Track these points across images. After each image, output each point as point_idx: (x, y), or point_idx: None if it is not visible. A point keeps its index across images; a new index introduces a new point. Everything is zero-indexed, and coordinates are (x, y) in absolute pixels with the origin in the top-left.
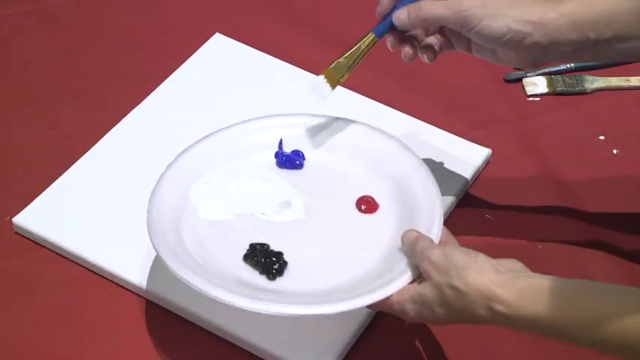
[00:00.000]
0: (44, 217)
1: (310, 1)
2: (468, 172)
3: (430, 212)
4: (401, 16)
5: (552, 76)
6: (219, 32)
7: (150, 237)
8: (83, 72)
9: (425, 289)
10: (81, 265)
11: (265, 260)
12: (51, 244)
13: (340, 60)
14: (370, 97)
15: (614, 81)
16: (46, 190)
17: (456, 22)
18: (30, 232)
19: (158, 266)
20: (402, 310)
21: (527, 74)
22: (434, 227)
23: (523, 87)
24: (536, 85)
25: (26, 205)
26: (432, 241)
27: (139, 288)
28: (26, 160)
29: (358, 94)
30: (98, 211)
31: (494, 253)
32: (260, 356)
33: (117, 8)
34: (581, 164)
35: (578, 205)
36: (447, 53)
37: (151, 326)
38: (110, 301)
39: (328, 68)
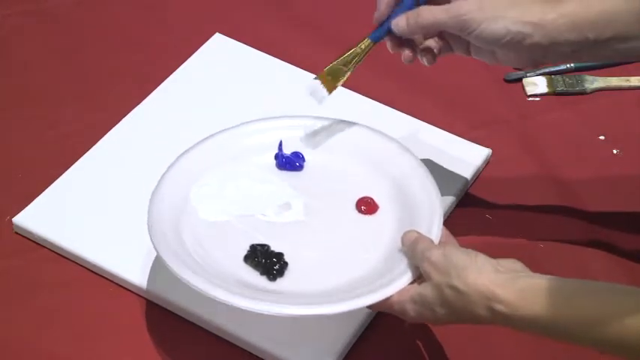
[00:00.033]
0: (44, 217)
1: (310, 1)
2: (468, 172)
3: (430, 213)
4: (400, 24)
5: (552, 76)
6: (219, 32)
7: (150, 237)
8: (83, 72)
9: (425, 290)
10: (81, 265)
11: (266, 261)
12: (51, 244)
13: (335, 64)
14: (370, 97)
15: (614, 81)
16: (46, 190)
17: (455, 26)
18: (30, 232)
19: (158, 266)
20: (403, 311)
21: (527, 74)
22: (434, 227)
23: (523, 87)
24: (536, 85)
25: (26, 205)
26: (432, 241)
27: (139, 288)
28: (26, 160)
29: (358, 94)
30: (98, 211)
31: (494, 253)
32: (260, 356)
33: (117, 8)
34: (581, 164)
35: (578, 205)
36: (451, 54)
37: (151, 326)
38: (110, 301)
39: (323, 72)
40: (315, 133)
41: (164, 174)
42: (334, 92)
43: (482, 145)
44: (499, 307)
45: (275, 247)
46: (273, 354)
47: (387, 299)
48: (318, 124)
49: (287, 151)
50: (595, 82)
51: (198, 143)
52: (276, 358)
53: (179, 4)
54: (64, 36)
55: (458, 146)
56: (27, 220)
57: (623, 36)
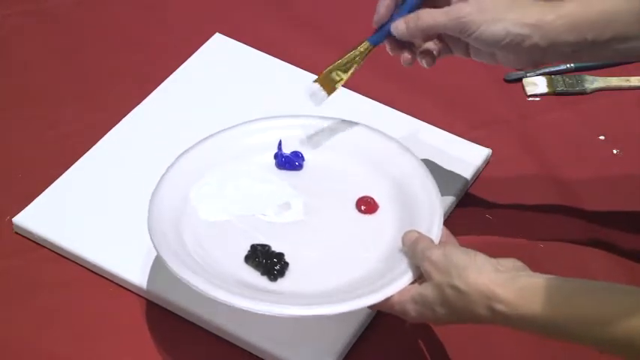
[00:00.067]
0: (44, 217)
1: (310, 1)
2: (468, 172)
3: (430, 212)
4: (399, 27)
5: (552, 76)
6: (219, 32)
7: (150, 237)
8: (83, 72)
9: (426, 290)
10: (81, 265)
11: (267, 261)
12: (51, 244)
13: (334, 66)
14: (370, 97)
15: (614, 81)
16: (46, 190)
17: (454, 28)
18: (30, 232)
19: (158, 266)
20: (404, 311)
21: (527, 74)
22: (434, 227)
23: (523, 87)
24: (536, 85)
25: (26, 205)
26: (432, 241)
27: (139, 288)
28: (26, 160)
29: (358, 94)
30: (98, 211)
31: (494, 253)
32: (260, 356)
33: (117, 8)
34: (581, 164)
35: (578, 204)
36: (450, 56)
37: (150, 326)
38: (110, 301)
39: (322, 75)
40: (314, 133)
41: (164, 174)
42: (333, 94)
43: (482, 145)
44: (499, 306)
45: (275, 248)
46: (273, 354)
47: (388, 299)
48: (318, 123)
49: (287, 150)
50: (595, 82)
51: (197, 143)
52: (276, 358)
53: (179, 4)
54: (64, 36)
55: (458, 146)
56: (27, 220)
57: (622, 36)
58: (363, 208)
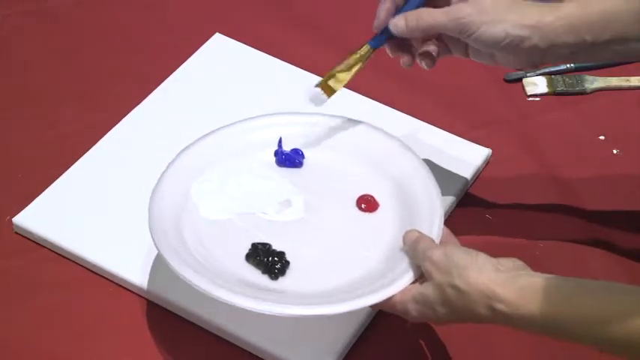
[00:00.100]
0: (44, 217)
1: (310, 1)
2: (468, 172)
3: (431, 212)
4: (399, 24)
5: (552, 76)
6: (219, 32)
7: (151, 235)
8: (83, 72)
9: (427, 289)
10: (81, 265)
11: (267, 260)
12: (51, 244)
13: (335, 70)
14: (370, 97)
15: (614, 81)
16: (46, 190)
17: (454, 29)
18: (30, 232)
19: (158, 266)
20: (405, 310)
21: (527, 74)
22: (434, 227)
23: (523, 87)
24: (536, 85)
25: (26, 205)
26: (433, 241)
27: (139, 288)
28: (26, 160)
29: (358, 94)
30: (98, 211)
31: (494, 253)
32: (260, 356)
33: (117, 8)
34: (581, 164)
35: (577, 204)
36: (449, 56)
37: (150, 326)
38: (110, 301)
39: (323, 79)
40: (315, 130)
41: (164, 171)
42: (333, 96)
43: (482, 145)
44: (499, 306)
45: (276, 246)
46: (273, 354)
47: (389, 299)
48: (319, 121)
49: (287, 147)
50: (595, 82)
51: (198, 139)
52: (276, 358)
53: (179, 4)
54: (64, 36)
55: (458, 146)
56: (27, 220)
57: (622, 37)
58: (363, 206)
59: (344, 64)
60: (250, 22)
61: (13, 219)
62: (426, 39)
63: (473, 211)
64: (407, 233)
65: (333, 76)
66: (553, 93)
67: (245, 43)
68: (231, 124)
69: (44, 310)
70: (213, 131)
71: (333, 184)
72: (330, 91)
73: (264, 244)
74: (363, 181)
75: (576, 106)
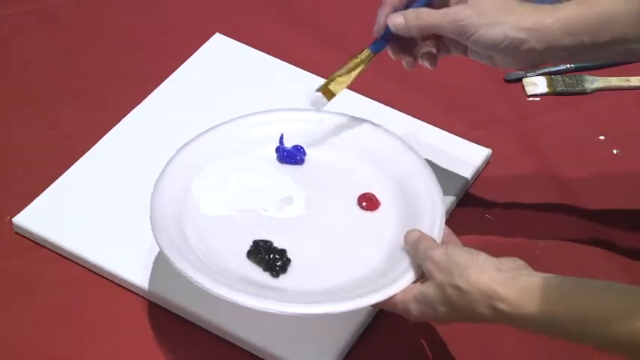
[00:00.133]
0: (44, 217)
1: (310, 1)
2: (468, 172)
3: (432, 212)
4: (397, 21)
5: (552, 76)
6: (219, 32)
7: (153, 232)
8: (83, 72)
9: (428, 289)
10: (81, 265)
11: (269, 257)
12: (51, 244)
13: (336, 74)
14: (370, 97)
15: (614, 81)
16: (46, 190)
17: (453, 30)
18: (30, 232)
19: (158, 266)
20: (406, 310)
21: (527, 74)
22: (436, 227)
23: (523, 87)
24: (536, 85)
25: (26, 205)
26: (434, 240)
27: (139, 288)
28: (26, 160)
29: (358, 94)
30: (98, 211)
31: (494, 253)
32: (260, 356)
33: (117, 8)
34: (581, 164)
35: (577, 204)
36: (448, 55)
37: (150, 326)
38: (110, 301)
39: (324, 84)
40: (316, 127)
41: (165, 166)
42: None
43: (482, 145)
44: (501, 305)
45: (277, 243)
46: (273, 354)
47: (391, 298)
48: (321, 118)
49: (288, 144)
50: (595, 82)
51: (199, 135)
52: (276, 357)
53: (179, 4)
54: (64, 36)
55: (458, 146)
56: (27, 220)
57: (621, 38)
58: (364, 204)
59: (344, 68)
60: (250, 22)
61: (13, 219)
62: (424, 38)
63: (473, 211)
64: (408, 233)
65: (333, 80)
66: (553, 93)
67: (245, 43)
68: (231, 120)
69: (44, 310)
70: (213, 127)
71: (334, 181)
72: (329, 95)
73: (266, 242)
74: (365, 180)
75: (576, 106)
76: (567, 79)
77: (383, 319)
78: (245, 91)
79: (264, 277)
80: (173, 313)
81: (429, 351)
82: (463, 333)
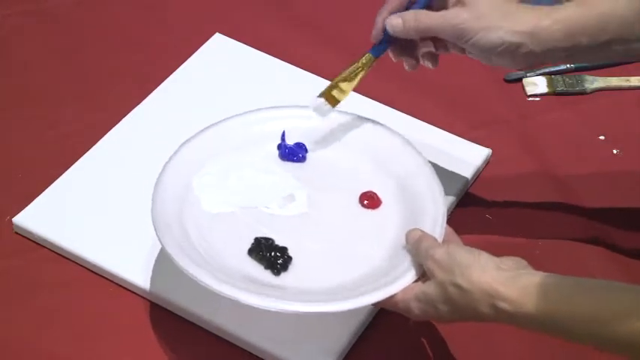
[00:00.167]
0: (44, 217)
1: (310, 1)
2: (468, 172)
3: (434, 211)
4: (395, 24)
5: (552, 76)
6: (219, 32)
7: (155, 229)
8: (83, 72)
9: (429, 288)
10: (81, 265)
11: (270, 255)
12: (51, 244)
13: (337, 79)
14: (370, 97)
15: (614, 81)
16: (46, 190)
17: (451, 34)
18: (30, 232)
19: (158, 266)
20: (407, 309)
21: (527, 74)
22: (437, 226)
23: (523, 87)
24: (536, 85)
25: (26, 205)
26: (435, 239)
27: (139, 288)
28: (26, 160)
29: (358, 94)
30: (98, 211)
31: (494, 252)
32: (260, 356)
33: (117, 8)
34: (581, 164)
35: (577, 204)
36: (446, 54)
37: (151, 326)
38: (110, 301)
39: (326, 90)
40: (318, 125)
41: (167, 163)
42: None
43: (482, 145)
44: (502, 304)
45: (279, 241)
46: (273, 354)
47: (392, 297)
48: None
49: (290, 141)
50: (595, 82)
51: (200, 132)
52: (276, 357)
53: (179, 4)
54: (64, 36)
55: (458, 146)
56: (27, 220)
57: (621, 38)
58: (365, 202)
59: (346, 72)
60: (250, 22)
61: (13, 219)
62: (422, 39)
63: (473, 210)
64: (410, 232)
65: (335, 86)
66: (553, 93)
67: (245, 43)
68: (234, 116)
69: (44, 310)
70: (214, 123)
71: (336, 179)
72: (334, 102)
73: (267, 239)
74: (367, 178)
75: (576, 106)
76: (567, 79)
77: (384, 319)
78: (245, 91)
79: (266, 274)
80: (173, 313)
81: (430, 350)
82: (464, 332)
